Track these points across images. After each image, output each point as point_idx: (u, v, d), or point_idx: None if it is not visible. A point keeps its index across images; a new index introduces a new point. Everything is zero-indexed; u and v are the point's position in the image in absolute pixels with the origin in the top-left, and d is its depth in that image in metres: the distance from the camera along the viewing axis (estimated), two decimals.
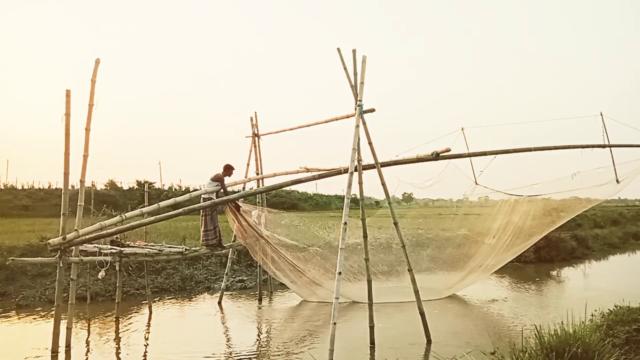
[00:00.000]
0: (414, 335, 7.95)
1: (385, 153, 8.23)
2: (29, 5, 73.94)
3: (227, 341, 8.79)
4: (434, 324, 7.95)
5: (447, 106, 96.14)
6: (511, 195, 11.23)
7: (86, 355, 7.71)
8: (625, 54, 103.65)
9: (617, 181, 9.73)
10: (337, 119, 8.99)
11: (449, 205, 13.86)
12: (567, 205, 10.92)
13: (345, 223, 6.75)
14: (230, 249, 11.32)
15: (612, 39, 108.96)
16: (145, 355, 7.72)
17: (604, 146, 9.51)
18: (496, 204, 11.78)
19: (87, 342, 8.36)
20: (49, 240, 7.50)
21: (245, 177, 11.87)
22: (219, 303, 11.20)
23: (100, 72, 7.70)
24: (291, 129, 10.96)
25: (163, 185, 36.04)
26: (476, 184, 11.27)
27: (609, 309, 6.60)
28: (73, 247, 7.82)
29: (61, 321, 7.39)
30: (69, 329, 7.55)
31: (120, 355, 7.70)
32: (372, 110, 7.87)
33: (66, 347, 7.43)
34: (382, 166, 8.13)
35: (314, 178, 9.31)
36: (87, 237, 7.65)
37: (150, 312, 10.34)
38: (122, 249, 9.29)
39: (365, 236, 7.86)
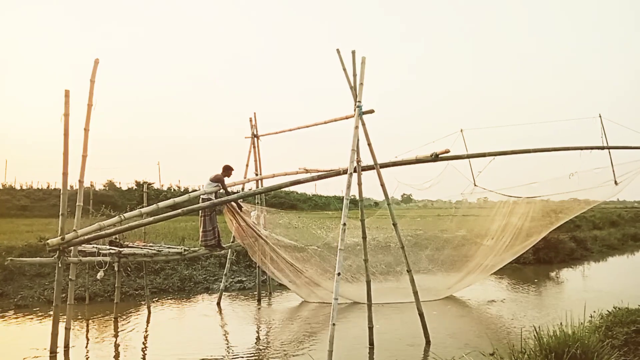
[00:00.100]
0: (412, 336, 7.96)
1: (384, 154, 8.27)
2: (28, 5, 73.83)
3: (226, 342, 8.79)
4: (433, 325, 7.96)
5: (447, 106, 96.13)
6: (510, 196, 11.25)
7: (85, 355, 7.69)
8: (626, 54, 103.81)
9: (616, 183, 9.74)
10: (336, 120, 9.00)
11: (447, 206, 13.86)
12: (565, 206, 10.93)
13: (345, 224, 6.75)
14: (229, 250, 11.31)
15: (612, 39, 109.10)
16: (143, 356, 7.71)
17: (602, 148, 9.53)
18: (495, 205, 11.79)
19: (86, 343, 8.35)
20: (48, 241, 7.49)
21: (245, 177, 11.87)
22: (218, 304, 11.19)
23: (100, 72, 7.71)
24: (290, 130, 10.96)
25: (162, 185, 35.99)
26: (475, 185, 11.29)
27: (607, 311, 6.62)
28: (72, 248, 7.80)
29: (60, 321, 7.38)
30: (67, 330, 7.54)
31: (118, 356, 7.69)
32: (372, 112, 7.87)
33: (65, 347, 7.42)
34: (381, 167, 8.14)
35: (313, 179, 9.31)
36: (85, 237, 7.64)
37: (149, 313, 10.33)
38: (120, 249, 9.28)
39: (364, 237, 7.86)
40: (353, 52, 7.71)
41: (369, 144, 7.96)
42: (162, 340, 8.69)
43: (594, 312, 6.78)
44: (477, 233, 11.96)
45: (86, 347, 8.13)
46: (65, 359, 7.24)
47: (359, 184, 7.92)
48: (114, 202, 25.31)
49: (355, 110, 7.68)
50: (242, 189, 12.11)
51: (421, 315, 7.79)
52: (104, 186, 33.08)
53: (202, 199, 9.81)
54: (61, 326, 7.44)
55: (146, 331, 9.18)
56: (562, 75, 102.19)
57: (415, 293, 7.84)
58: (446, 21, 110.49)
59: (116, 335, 8.74)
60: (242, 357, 7.56)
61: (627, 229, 26.33)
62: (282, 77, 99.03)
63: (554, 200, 11.02)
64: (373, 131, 7.91)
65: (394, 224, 8.01)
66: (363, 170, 7.95)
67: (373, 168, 8.11)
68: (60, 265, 7.40)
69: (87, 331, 9.07)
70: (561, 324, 5.06)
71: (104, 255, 8.93)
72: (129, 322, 9.68)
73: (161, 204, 8.94)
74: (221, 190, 9.91)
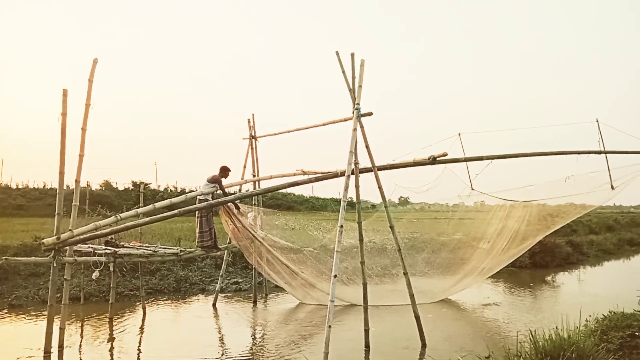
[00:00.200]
0: (408, 338, 7.95)
1: (383, 155, 8.26)
2: (28, 5, 73.71)
3: (221, 343, 8.76)
4: (428, 328, 7.96)
5: (446, 106, 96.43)
6: (507, 200, 11.27)
7: (79, 356, 7.65)
8: (626, 54, 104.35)
9: (612, 187, 9.77)
10: (334, 122, 9.01)
11: (445, 209, 13.87)
12: (562, 210, 10.95)
13: (342, 226, 6.75)
14: (226, 251, 11.29)
15: (612, 39, 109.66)
16: (138, 357, 7.68)
17: (599, 152, 9.56)
18: (492, 209, 11.80)
19: (80, 343, 8.31)
20: (43, 240, 7.45)
21: (242, 178, 11.86)
22: (214, 305, 11.15)
23: (99, 72, 7.67)
24: (288, 132, 10.96)
25: (159, 186, 36.00)
26: (472, 188, 11.30)
27: (603, 315, 6.63)
28: (67, 247, 7.78)
29: (54, 321, 7.33)
30: (62, 330, 7.50)
31: (112, 356, 7.65)
32: (370, 114, 7.87)
33: (59, 347, 7.37)
34: (379, 170, 8.15)
35: (310, 181, 9.31)
36: (81, 237, 7.62)
37: (144, 314, 10.29)
38: (116, 249, 9.26)
39: (361, 239, 7.86)
40: (352, 55, 7.72)
41: (367, 147, 7.97)
42: (157, 341, 8.65)
43: (590, 316, 6.80)
44: (473, 236, 11.97)
45: (80, 347, 8.09)
46: (59, 359, 7.20)
47: (357, 186, 7.91)
48: (111, 202, 25.24)
49: (353, 112, 7.68)
50: (240, 190, 12.10)
51: (417, 318, 7.78)
52: (101, 186, 33.05)
53: (199, 199, 9.79)
54: (56, 326, 7.39)
55: (141, 332, 9.13)
56: (562, 76, 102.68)
57: (412, 296, 7.84)
58: (446, 21, 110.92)
59: (111, 336, 8.70)
60: (237, 359, 7.53)
61: (623, 234, 26.43)
62: (281, 77, 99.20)
63: (550, 205, 11.05)
64: (372, 132, 7.93)
65: (391, 227, 8.01)
66: (361, 172, 7.95)
67: (371, 170, 8.11)
68: (55, 264, 7.37)
69: (82, 331, 9.03)
70: (557, 327, 5.08)
71: (100, 255, 8.90)
72: (124, 322, 9.63)
73: (158, 205, 8.93)
74: (218, 191, 9.90)
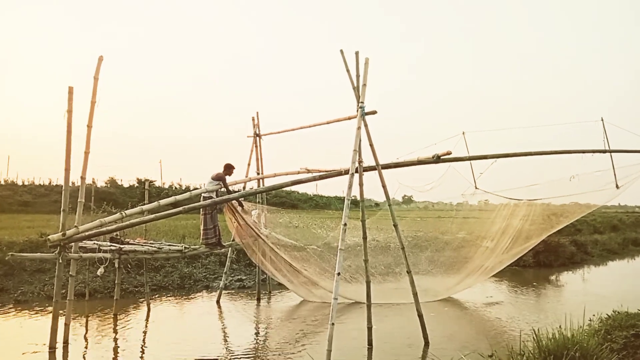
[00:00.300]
0: (411, 337, 7.96)
1: (385, 154, 8.25)
2: (28, 5, 73.95)
3: (225, 340, 8.80)
4: (431, 327, 7.95)
5: (447, 106, 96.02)
6: (511, 199, 11.25)
7: (84, 351, 7.71)
8: (626, 54, 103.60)
9: (617, 186, 9.74)
10: (338, 121, 9.00)
11: (448, 208, 13.87)
12: (566, 209, 10.93)
13: (345, 224, 6.76)
14: (230, 248, 11.33)
15: (612, 39, 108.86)
16: (142, 353, 7.72)
17: (604, 151, 9.53)
18: (495, 207, 11.79)
19: (85, 339, 8.37)
20: (49, 236, 7.51)
21: (246, 176, 11.89)
22: (218, 302, 11.20)
23: (102, 71, 7.72)
24: (292, 130, 10.97)
25: (163, 183, 36.07)
26: (476, 187, 11.29)
27: (607, 314, 6.61)
28: (72, 244, 7.83)
29: (59, 317, 7.41)
30: (67, 325, 7.56)
31: (117, 352, 7.70)
32: (374, 112, 7.88)
33: (64, 343, 7.44)
34: (382, 168, 8.14)
35: (314, 179, 9.33)
36: (86, 233, 7.66)
37: (149, 310, 10.35)
38: (121, 246, 9.30)
39: (364, 237, 7.87)
40: (356, 53, 7.72)
41: (371, 145, 7.97)
42: (161, 337, 8.70)
43: (594, 315, 6.77)
44: (477, 235, 11.96)
45: (85, 343, 8.15)
46: (64, 354, 7.25)
47: (361, 184, 7.92)
48: (116, 199, 25.34)
49: (357, 111, 7.68)
50: (244, 187, 12.12)
51: (420, 316, 7.78)
52: (106, 183, 33.17)
53: (204, 197, 9.83)
54: (61, 322, 7.46)
55: (145, 328, 9.19)
56: (562, 76, 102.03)
57: (415, 294, 7.84)
58: (446, 21, 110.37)
59: (115, 332, 8.76)
60: (241, 356, 7.56)
61: (627, 234, 26.29)
62: (282, 77, 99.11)
63: (554, 204, 11.02)
64: (374, 131, 7.92)
65: (395, 225, 8.01)
66: (365, 171, 7.95)
67: (374, 169, 8.11)
68: (60, 261, 7.43)
69: (87, 327, 9.09)
70: (560, 326, 5.07)
71: (105, 251, 8.95)
72: (128, 318, 9.70)
73: (162, 202, 8.97)
74: (222, 189, 9.92)
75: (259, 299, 11.78)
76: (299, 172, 10.70)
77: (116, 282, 10.12)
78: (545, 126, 14.16)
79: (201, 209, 9.69)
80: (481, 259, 11.03)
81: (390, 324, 9.17)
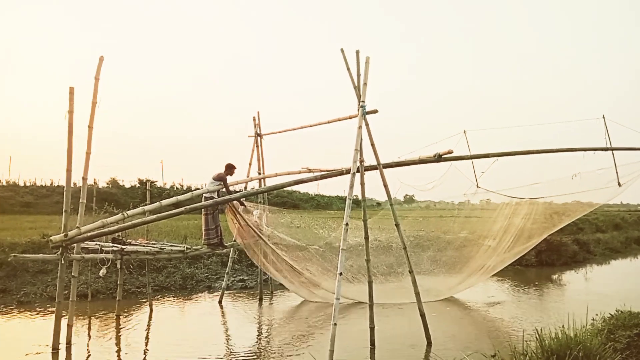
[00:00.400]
0: (413, 337, 7.95)
1: (386, 154, 8.24)
2: (28, 5, 74.09)
3: (227, 340, 8.80)
4: (433, 327, 7.94)
5: (447, 106, 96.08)
6: (512, 197, 11.22)
7: (86, 352, 7.71)
8: (626, 54, 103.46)
9: (619, 184, 9.71)
10: (339, 120, 8.99)
11: (450, 207, 13.84)
12: (568, 208, 10.90)
13: (347, 224, 6.75)
14: (232, 249, 11.33)
15: (612, 39, 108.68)
16: (145, 353, 7.73)
17: (606, 149, 9.50)
18: (497, 206, 11.77)
19: (88, 340, 8.38)
20: (51, 237, 7.51)
21: (247, 176, 11.88)
22: (220, 302, 11.20)
23: (102, 71, 7.72)
24: (293, 129, 10.95)
25: (165, 184, 36.10)
26: (478, 186, 11.27)
27: (610, 314, 6.59)
28: (75, 245, 7.84)
29: (62, 318, 7.41)
30: (69, 326, 7.57)
31: (120, 353, 7.71)
32: (375, 112, 7.87)
33: (67, 344, 7.45)
34: (384, 167, 8.13)
35: (315, 178, 9.32)
36: (88, 234, 7.66)
37: (151, 310, 10.36)
38: (123, 246, 9.31)
39: (366, 237, 7.86)
40: (357, 52, 7.72)
41: (372, 144, 7.96)
42: (164, 337, 8.71)
43: (596, 315, 6.75)
44: (479, 234, 11.94)
45: (88, 343, 8.16)
46: (67, 355, 7.27)
47: (362, 184, 7.91)
48: (117, 200, 25.39)
49: (358, 110, 7.67)
50: (245, 187, 12.12)
51: (423, 316, 7.77)
52: (107, 184, 33.22)
53: (205, 197, 9.83)
54: (63, 323, 7.47)
55: (148, 329, 9.20)
56: (562, 76, 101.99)
57: (417, 294, 7.83)
58: (446, 21, 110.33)
59: (118, 333, 8.77)
60: (243, 356, 7.57)
61: (630, 232, 26.20)
62: (282, 77, 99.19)
63: (557, 202, 10.99)
64: (374, 131, 7.92)
65: (397, 225, 8.01)
66: (366, 170, 7.95)
67: (376, 168, 8.10)
68: (63, 262, 7.44)
69: (89, 328, 9.11)
70: (563, 326, 5.06)
71: (107, 252, 8.96)
72: (130, 319, 9.71)
73: (164, 202, 8.96)
74: (224, 189, 9.92)
75: (261, 299, 11.78)
76: (300, 172, 10.67)
77: (118, 282, 10.14)
78: (546, 124, 14.15)
79: (203, 210, 9.69)
80: (483, 258, 11.00)
81: (393, 324, 9.16)
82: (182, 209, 8.23)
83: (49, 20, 76.37)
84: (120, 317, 9.69)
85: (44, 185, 32.44)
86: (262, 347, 8.21)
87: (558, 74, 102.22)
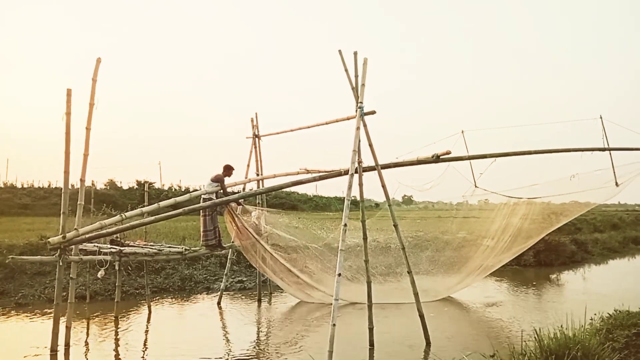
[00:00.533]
0: (412, 337, 7.96)
1: (384, 154, 8.26)
2: (28, 5, 74.01)
3: (226, 341, 8.79)
4: (431, 327, 7.95)
5: (447, 106, 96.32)
6: (510, 197, 11.24)
7: (85, 354, 7.71)
8: (626, 54, 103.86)
9: (617, 184, 9.74)
10: (337, 121, 9.00)
11: (448, 208, 13.86)
12: (566, 208, 10.93)
13: (346, 225, 6.75)
14: (230, 250, 11.32)
15: (612, 39, 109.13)
16: (143, 355, 7.71)
17: (603, 149, 9.53)
18: (495, 206, 11.79)
19: (86, 341, 8.36)
20: (49, 239, 7.50)
21: (246, 177, 11.88)
22: (218, 303, 11.19)
23: (100, 71, 7.72)
24: (292, 130, 10.96)
25: (163, 185, 36.00)
26: (476, 187, 11.29)
27: (608, 313, 6.61)
28: (73, 246, 7.82)
29: (60, 320, 7.40)
30: (68, 328, 7.55)
31: (118, 355, 7.70)
32: (373, 113, 7.88)
33: (65, 345, 7.43)
34: (382, 168, 8.14)
35: (314, 179, 9.32)
36: (86, 236, 7.66)
37: (149, 312, 10.34)
38: (121, 248, 9.30)
39: (365, 238, 7.86)
40: (355, 53, 7.72)
41: (370, 145, 7.97)
42: (162, 339, 8.70)
43: (595, 314, 6.77)
44: (477, 234, 11.96)
45: (86, 345, 8.14)
46: (66, 357, 7.25)
47: (360, 184, 7.92)
48: (115, 201, 25.36)
49: (356, 111, 7.68)
50: (243, 189, 12.11)
51: (421, 316, 7.78)
52: (105, 185, 33.13)
53: (203, 198, 9.83)
54: (62, 325, 7.46)
55: (146, 330, 9.19)
56: (562, 76, 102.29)
57: (416, 294, 7.84)
58: (446, 21, 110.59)
59: (116, 334, 8.75)
60: (242, 357, 7.56)
61: (628, 232, 26.27)
62: (282, 77, 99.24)
63: (554, 202, 11.02)
64: (373, 131, 7.92)
65: (395, 225, 8.01)
66: (364, 171, 7.95)
67: (374, 169, 8.10)
68: (61, 263, 7.42)
69: (88, 330, 9.08)
70: (562, 326, 5.07)
71: (105, 254, 8.94)
72: (129, 321, 9.69)
73: (162, 204, 8.95)
74: (222, 190, 9.91)
75: (259, 300, 11.77)
76: (298, 173, 10.69)
77: (117, 284, 10.12)
78: (544, 124, 14.10)
79: (201, 211, 9.68)
80: (482, 258, 11.03)
81: (392, 325, 9.16)
82: (181, 210, 8.22)
83: (48, 20, 76.33)
84: (119, 318, 9.67)
85: (41, 187, 32.32)
86: (261, 348, 8.20)
87: (558, 74, 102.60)
